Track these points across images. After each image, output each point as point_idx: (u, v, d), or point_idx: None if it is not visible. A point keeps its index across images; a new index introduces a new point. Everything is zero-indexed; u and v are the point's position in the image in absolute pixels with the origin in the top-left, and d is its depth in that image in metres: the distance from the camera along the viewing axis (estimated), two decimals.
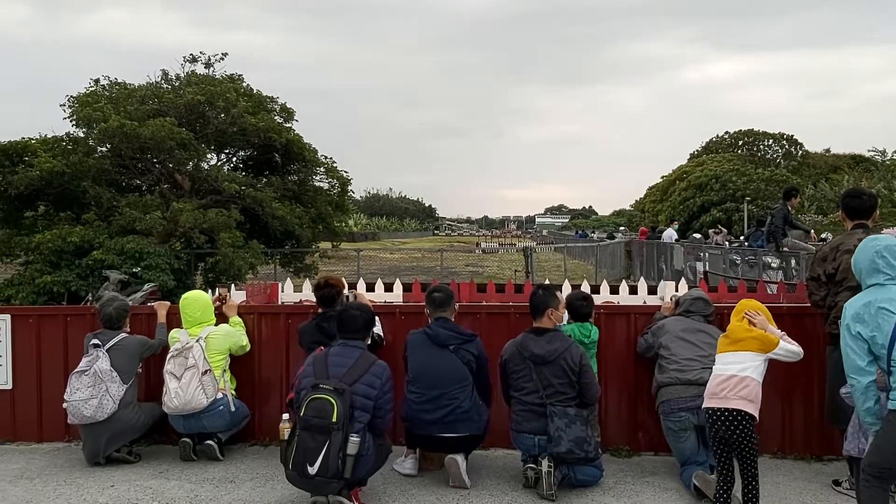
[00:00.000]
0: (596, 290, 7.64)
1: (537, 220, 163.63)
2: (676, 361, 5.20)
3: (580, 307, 5.58)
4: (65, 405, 5.47)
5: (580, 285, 7.80)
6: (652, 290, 8.35)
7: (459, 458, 5.04)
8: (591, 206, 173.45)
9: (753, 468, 4.36)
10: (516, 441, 5.09)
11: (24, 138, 18.79)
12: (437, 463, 5.30)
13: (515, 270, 27.02)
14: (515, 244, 54.08)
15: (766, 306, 5.07)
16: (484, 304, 7.20)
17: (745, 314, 4.61)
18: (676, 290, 7.63)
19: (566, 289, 7.85)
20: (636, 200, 61.74)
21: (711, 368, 4.67)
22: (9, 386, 6.30)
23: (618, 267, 28.59)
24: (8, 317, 6.39)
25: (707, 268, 18.30)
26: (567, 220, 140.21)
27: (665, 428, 5.18)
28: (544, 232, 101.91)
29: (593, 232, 76.86)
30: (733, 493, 4.50)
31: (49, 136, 19.33)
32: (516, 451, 5.25)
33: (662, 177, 53.03)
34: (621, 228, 63.01)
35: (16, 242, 17.81)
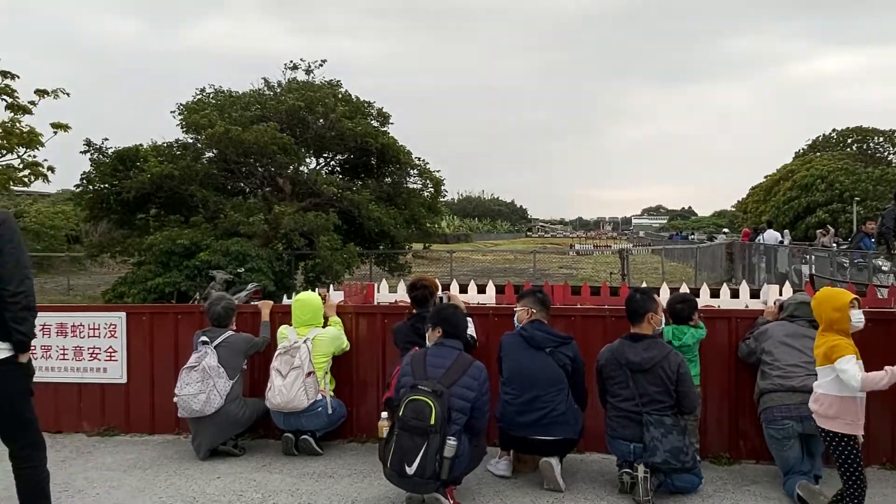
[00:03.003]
0: (696, 293, 7.45)
1: (634, 221, 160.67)
2: (780, 367, 5.03)
3: (680, 310, 5.47)
4: (175, 399, 5.71)
5: (679, 288, 7.64)
6: (754, 294, 8.10)
7: (554, 461, 5.02)
8: (690, 207, 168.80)
9: (849, 482, 4.08)
10: (612, 446, 5.03)
11: (136, 144, 19.82)
12: (530, 465, 5.30)
13: (611, 273, 26.53)
14: (611, 246, 53.22)
15: (876, 312, 4.83)
16: (578, 306, 7.13)
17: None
18: (780, 294, 7.38)
19: (664, 292, 7.71)
20: (738, 201, 59.66)
21: (816, 375, 4.46)
22: (123, 380, 6.64)
23: (718, 269, 27.72)
24: (123, 314, 6.74)
25: (813, 271, 17.53)
26: (665, 222, 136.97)
27: (767, 436, 5.01)
28: (641, 233, 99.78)
29: (692, 233, 74.79)
30: None
31: (159, 142, 20.34)
32: (612, 455, 5.18)
33: (766, 176, 51.15)
34: (724, 230, 61.03)
35: (129, 243, 18.85)
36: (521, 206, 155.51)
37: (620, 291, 8.12)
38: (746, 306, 7.41)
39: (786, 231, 28.44)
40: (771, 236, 23.78)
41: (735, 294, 7.84)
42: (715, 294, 7.83)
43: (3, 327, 3.64)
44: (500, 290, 8.68)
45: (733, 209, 68.79)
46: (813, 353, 4.34)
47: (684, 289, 7.77)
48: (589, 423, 5.31)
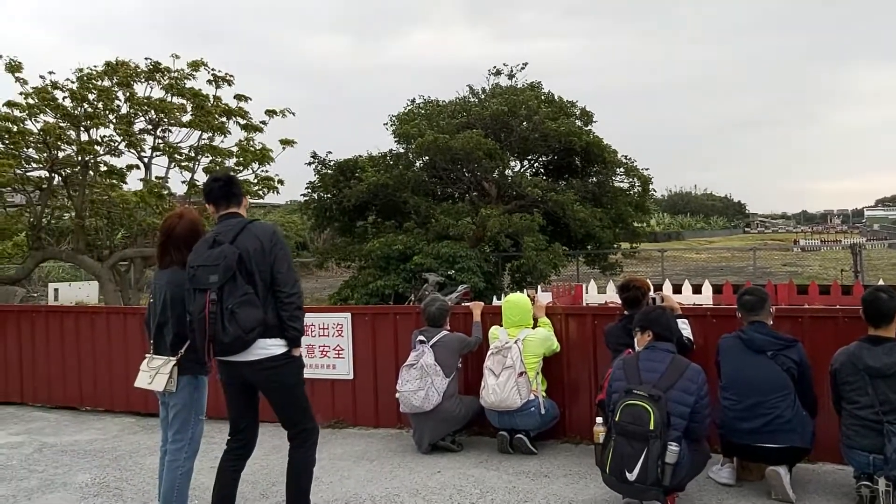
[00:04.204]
0: None
1: (866, 212, 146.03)
2: None
3: None
4: (397, 395, 6.04)
5: None
6: None
7: (782, 470, 4.72)
8: None
9: None
10: (847, 457, 4.65)
11: (355, 156, 21.18)
12: (756, 473, 5.02)
13: (842, 270, 24.42)
14: (841, 241, 48.82)
15: None
16: (806, 306, 6.66)
17: None
18: None
19: None
20: None
21: None
22: (350, 376, 7.09)
23: None
24: (349, 315, 7.22)
25: None
26: None
27: None
28: (875, 226, 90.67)
29: None
30: None
31: (374, 153, 21.60)
32: (847, 467, 4.79)
33: None
34: None
35: (350, 249, 20.22)
36: (737, 201, 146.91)
37: (854, 290, 7.50)
38: None
39: None
40: None
41: None
42: None
43: (277, 326, 4.05)
44: (717, 289, 8.34)
45: None
46: None
47: None
48: (820, 432, 4.94)
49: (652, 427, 4.28)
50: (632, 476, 4.29)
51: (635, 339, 5.01)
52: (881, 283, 8.29)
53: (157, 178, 14.63)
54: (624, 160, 22.66)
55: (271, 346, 4.03)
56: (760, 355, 4.84)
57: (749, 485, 5.02)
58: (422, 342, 6.10)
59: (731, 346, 5.01)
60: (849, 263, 24.75)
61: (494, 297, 10.32)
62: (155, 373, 4.31)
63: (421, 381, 5.89)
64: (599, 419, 4.94)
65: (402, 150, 21.25)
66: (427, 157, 20.03)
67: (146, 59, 14.35)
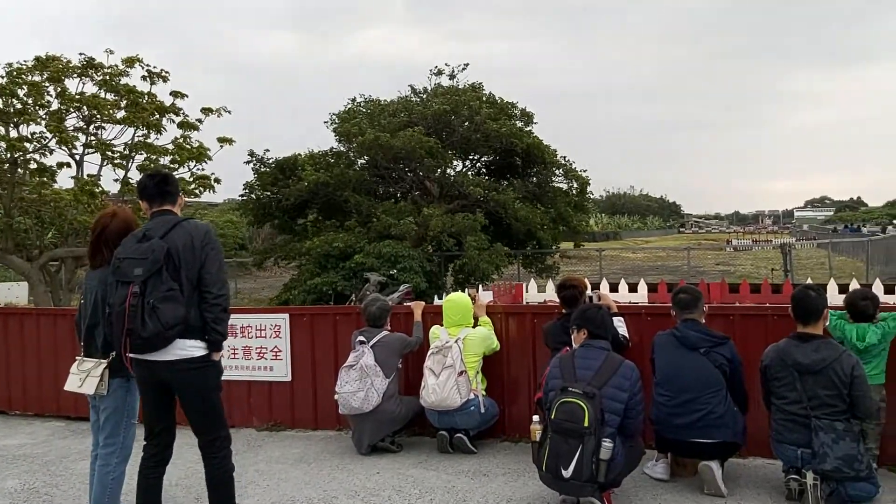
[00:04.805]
0: (867, 289, 6.97)
1: (796, 214, 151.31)
2: None
3: (864, 307, 5.03)
4: (336, 397, 5.97)
5: (848, 285, 7.16)
6: None
7: (714, 464, 4.84)
8: (859, 198, 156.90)
9: None
10: (777, 451, 4.78)
11: (295, 154, 20.93)
12: (690, 469, 5.14)
13: (772, 269, 25.20)
14: (771, 241, 50.40)
15: None
16: (737, 304, 6.84)
17: None
18: None
19: (832, 288, 7.27)
20: None
21: None
22: (288, 378, 7.00)
23: (893, 264, 25.62)
24: (287, 316, 7.11)
25: None
26: (831, 214, 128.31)
27: None
28: (805, 227, 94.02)
29: (864, 225, 69.67)
30: None
31: (315, 150, 21.38)
32: (777, 461, 4.93)
33: None
34: None
35: (290, 248, 20.00)
36: (672, 202, 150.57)
37: (783, 289, 7.74)
38: None
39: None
40: None
41: None
42: (889, 290, 7.29)
43: (199, 327, 3.94)
44: (652, 288, 8.50)
45: None
46: None
47: (854, 285, 7.29)
48: (751, 427, 5.08)
49: (586, 424, 4.33)
50: (567, 473, 4.34)
51: (572, 338, 5.06)
52: (810, 281, 8.57)
53: (89, 175, 14.21)
54: (563, 161, 22.98)
55: (191, 348, 3.92)
56: (693, 352, 4.95)
57: (683, 480, 5.13)
58: (362, 343, 6.05)
59: (666, 343, 5.11)
60: (779, 263, 25.56)
61: (436, 297, 10.31)
62: (86, 375, 4.18)
63: (360, 383, 5.84)
64: (536, 417, 4.99)
65: (343, 149, 21.11)
66: (368, 156, 19.93)
67: (80, 54, 13.96)
